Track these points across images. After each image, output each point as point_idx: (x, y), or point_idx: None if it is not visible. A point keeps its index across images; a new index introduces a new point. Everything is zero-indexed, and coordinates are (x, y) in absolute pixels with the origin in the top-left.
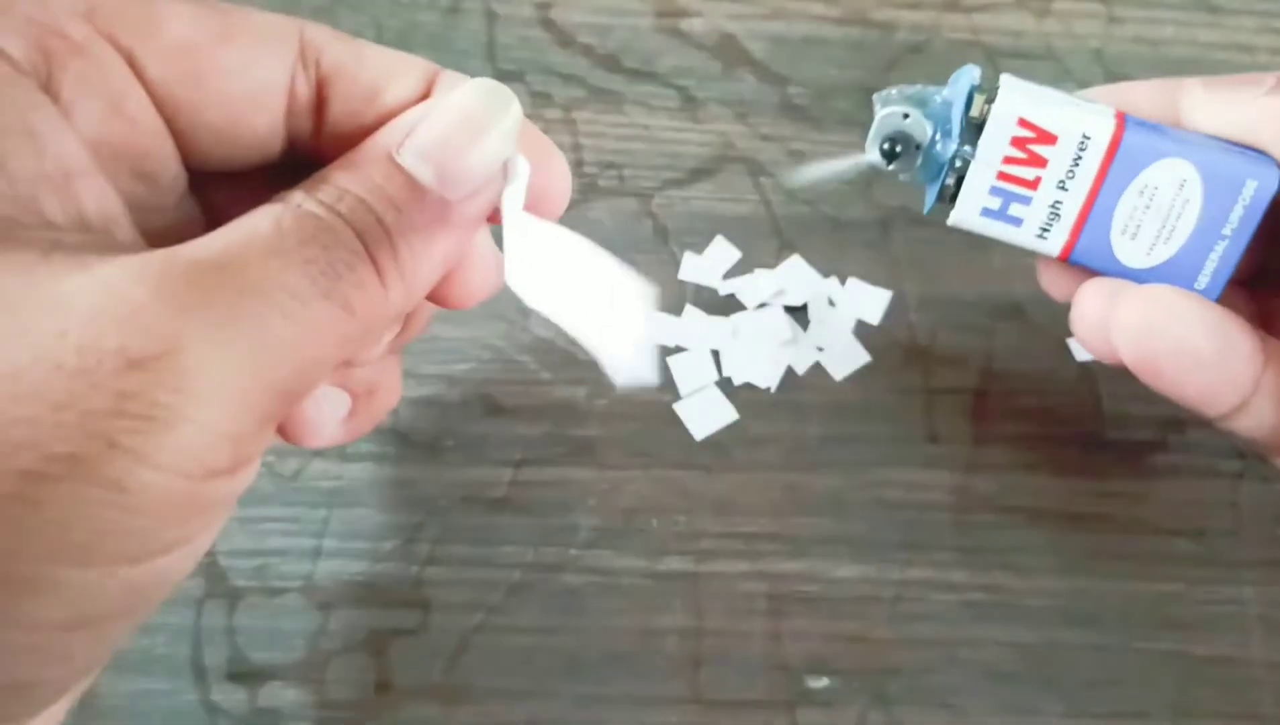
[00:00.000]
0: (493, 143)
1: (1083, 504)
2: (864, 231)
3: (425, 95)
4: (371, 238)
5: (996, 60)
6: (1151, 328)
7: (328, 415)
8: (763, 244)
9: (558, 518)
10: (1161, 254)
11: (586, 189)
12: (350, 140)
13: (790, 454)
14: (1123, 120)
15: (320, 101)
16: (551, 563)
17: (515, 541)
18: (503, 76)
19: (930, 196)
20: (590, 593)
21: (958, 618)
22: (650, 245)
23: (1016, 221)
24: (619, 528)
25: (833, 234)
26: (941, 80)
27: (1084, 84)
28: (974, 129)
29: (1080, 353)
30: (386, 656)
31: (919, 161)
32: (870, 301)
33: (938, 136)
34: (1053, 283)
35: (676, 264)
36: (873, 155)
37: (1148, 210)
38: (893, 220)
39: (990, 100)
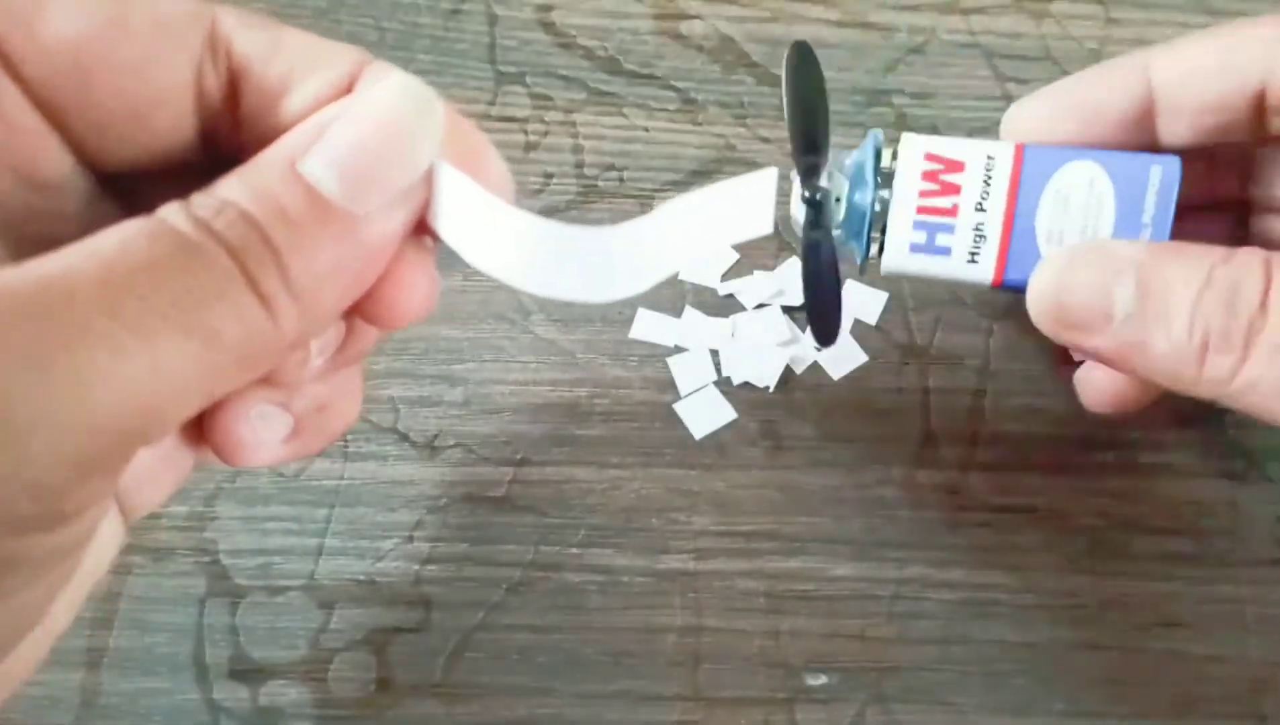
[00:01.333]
0: (411, 151)
1: (1081, 503)
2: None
3: (347, 90)
4: (253, 257)
5: (995, 62)
6: (1053, 284)
7: (264, 435)
8: (761, 244)
9: (558, 517)
10: None
11: (587, 191)
12: (265, 139)
13: (789, 453)
14: (1022, 143)
15: (234, 95)
16: (551, 561)
17: (515, 540)
18: (503, 78)
19: (859, 252)
20: (590, 591)
21: (955, 616)
22: None
23: (945, 251)
24: (619, 526)
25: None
26: (943, 81)
27: None
28: (887, 178)
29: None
30: (388, 655)
31: (842, 216)
32: (868, 301)
33: (854, 188)
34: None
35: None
36: (796, 211)
37: (1066, 215)
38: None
39: (894, 150)
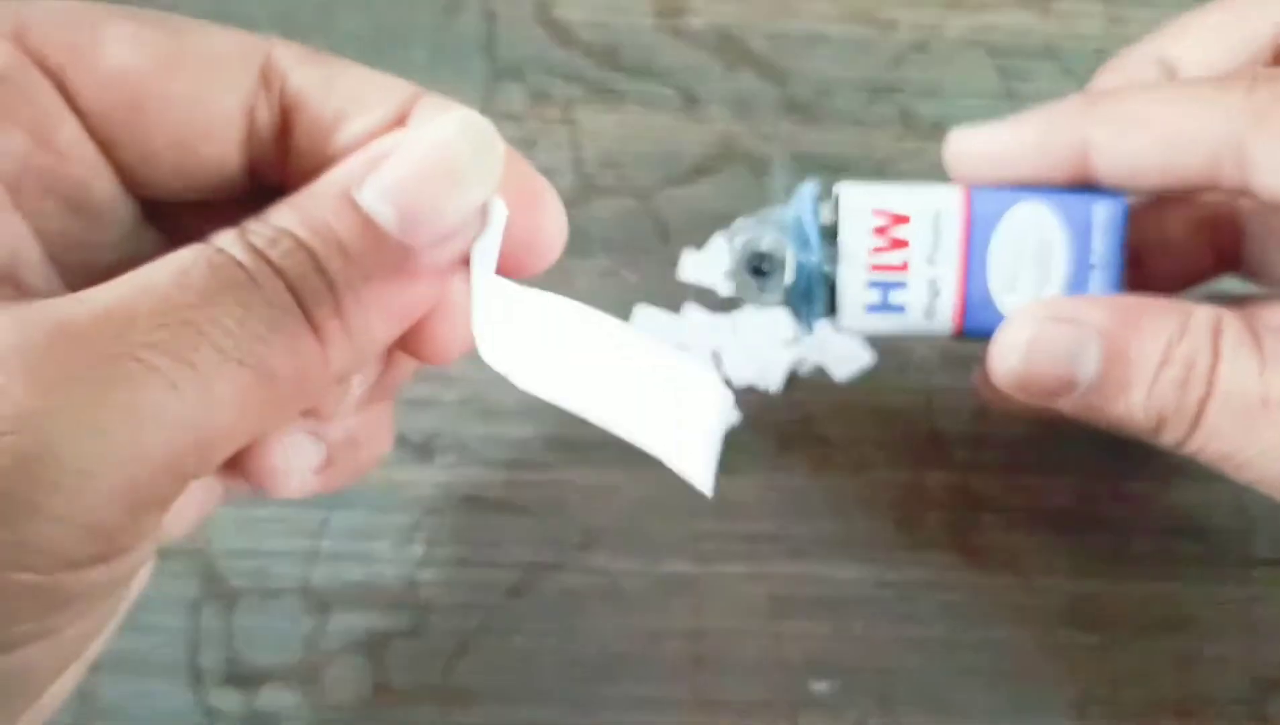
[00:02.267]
0: (469, 185)
1: (1085, 504)
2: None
3: (399, 124)
4: (308, 289)
5: (998, 59)
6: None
7: (296, 466)
8: None
9: (556, 519)
10: (1048, 297)
11: (586, 188)
12: (315, 172)
13: (791, 455)
14: (967, 188)
15: (285, 129)
16: (550, 564)
17: (514, 543)
18: (502, 74)
19: (809, 316)
20: (590, 594)
21: (959, 618)
22: (650, 244)
23: (901, 309)
24: (619, 529)
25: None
26: (946, 77)
27: (1084, 84)
28: (829, 235)
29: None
30: (384, 659)
31: (787, 281)
32: None
33: (798, 250)
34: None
35: (676, 263)
36: (740, 279)
37: (1019, 260)
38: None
39: (835, 204)
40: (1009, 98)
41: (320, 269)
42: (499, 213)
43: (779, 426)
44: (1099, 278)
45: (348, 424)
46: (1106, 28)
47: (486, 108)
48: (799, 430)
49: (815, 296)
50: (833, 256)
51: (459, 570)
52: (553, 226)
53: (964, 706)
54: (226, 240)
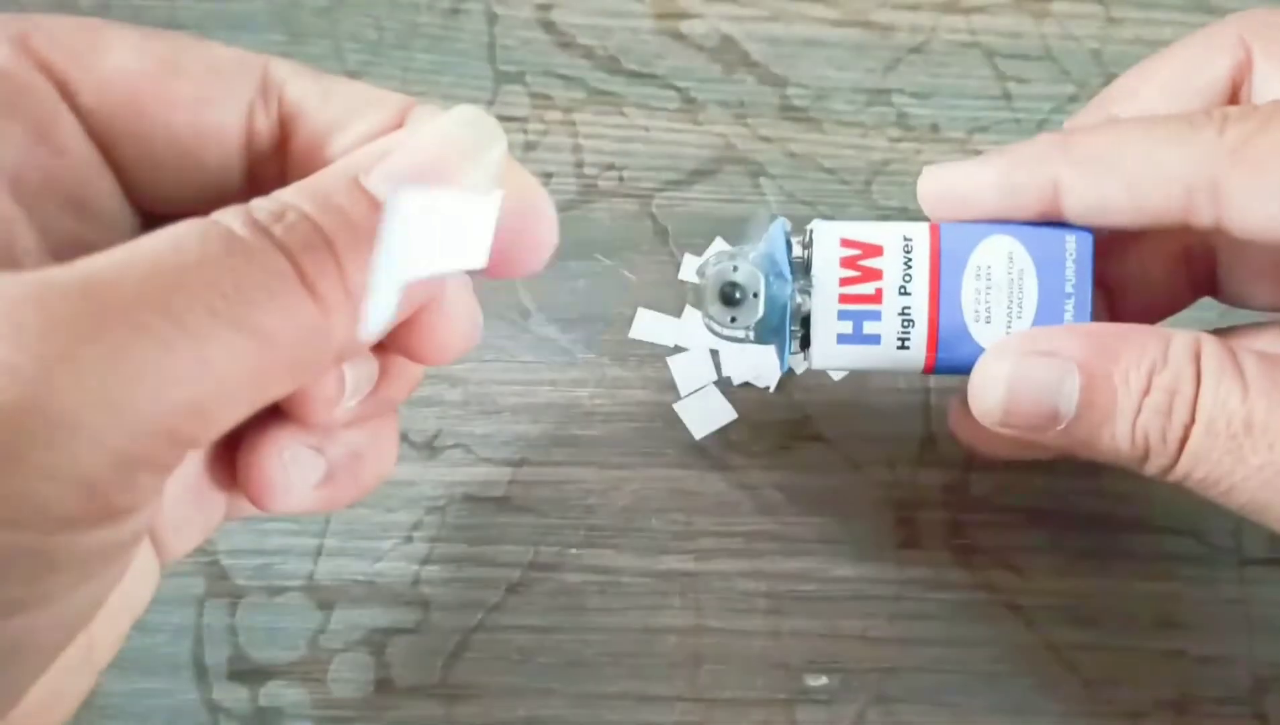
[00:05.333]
0: (474, 175)
1: (1082, 503)
2: None
3: (394, 131)
4: (311, 257)
5: (995, 61)
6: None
7: (295, 479)
8: None
9: (557, 517)
10: (1020, 329)
11: (586, 190)
12: None
13: (789, 453)
14: (936, 223)
15: (283, 139)
16: (551, 562)
17: (515, 541)
18: (503, 77)
19: (782, 350)
20: (590, 592)
21: (957, 617)
22: (650, 246)
23: (875, 340)
24: (618, 527)
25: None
26: (943, 80)
27: (1082, 85)
28: (802, 268)
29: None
30: (387, 655)
31: (759, 313)
32: None
33: (771, 281)
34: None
35: (676, 265)
36: (712, 308)
37: (990, 291)
38: (891, 220)
39: (806, 239)
40: (1006, 100)
41: (326, 239)
42: (501, 206)
43: (776, 425)
44: (1072, 306)
45: (349, 439)
46: (1104, 29)
47: (488, 110)
48: (796, 429)
49: (785, 330)
50: (806, 288)
51: (461, 568)
52: (544, 229)
53: (961, 704)
54: (225, 213)
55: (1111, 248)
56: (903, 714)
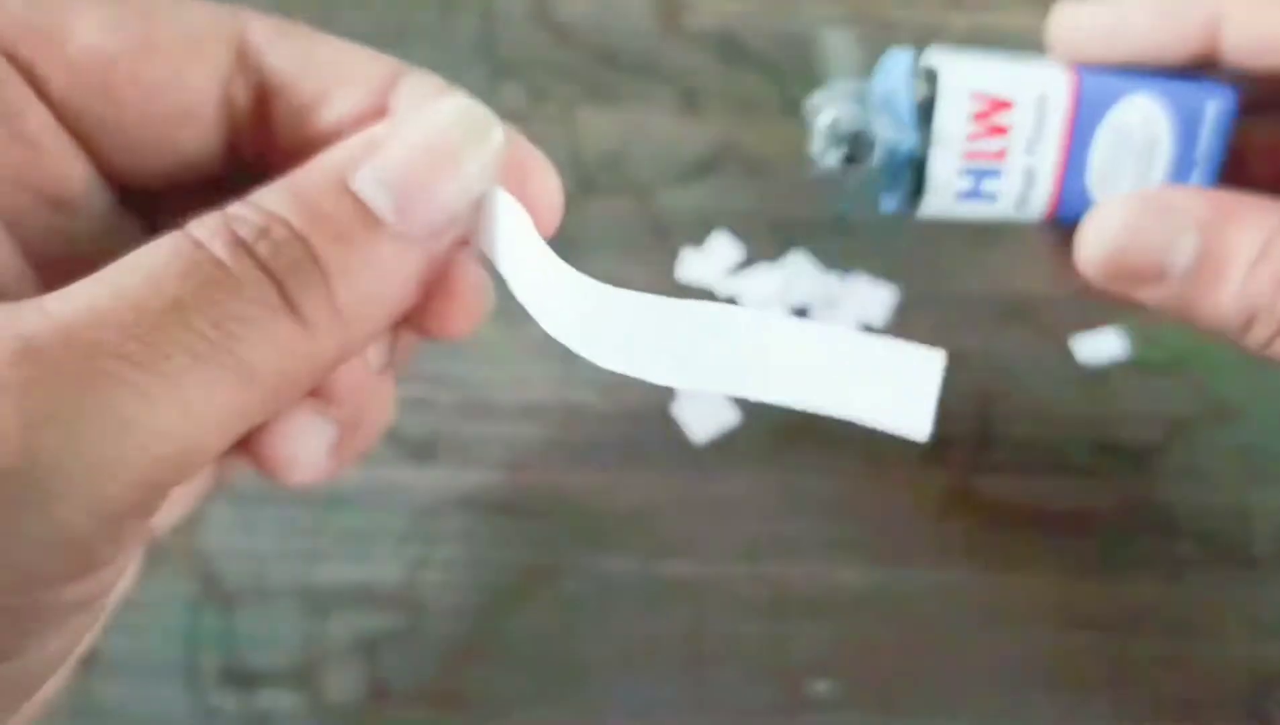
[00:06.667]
0: (469, 174)
1: (1086, 505)
2: (865, 229)
3: (380, 103)
4: (296, 278)
5: None
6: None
7: (311, 448)
8: (763, 242)
9: (555, 520)
10: None
11: (586, 187)
12: (296, 150)
13: (791, 456)
14: (1076, 68)
15: (264, 109)
16: (549, 565)
17: (512, 544)
18: (501, 73)
19: (891, 195)
20: (589, 596)
21: (960, 620)
22: (650, 243)
23: (993, 198)
24: (618, 531)
25: (834, 232)
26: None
27: None
28: (924, 114)
29: (1084, 353)
30: (382, 660)
31: (876, 160)
32: (872, 300)
33: (890, 130)
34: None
35: (676, 262)
36: (829, 161)
37: (1122, 153)
38: (894, 220)
39: (931, 80)
40: None
41: (313, 256)
42: (504, 204)
43: (779, 426)
44: (1198, 174)
45: (353, 397)
46: None
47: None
48: (799, 430)
49: (901, 180)
50: (926, 138)
51: (457, 572)
52: (550, 196)
53: (964, 708)
54: (206, 230)
55: (1240, 115)
56: (906, 718)
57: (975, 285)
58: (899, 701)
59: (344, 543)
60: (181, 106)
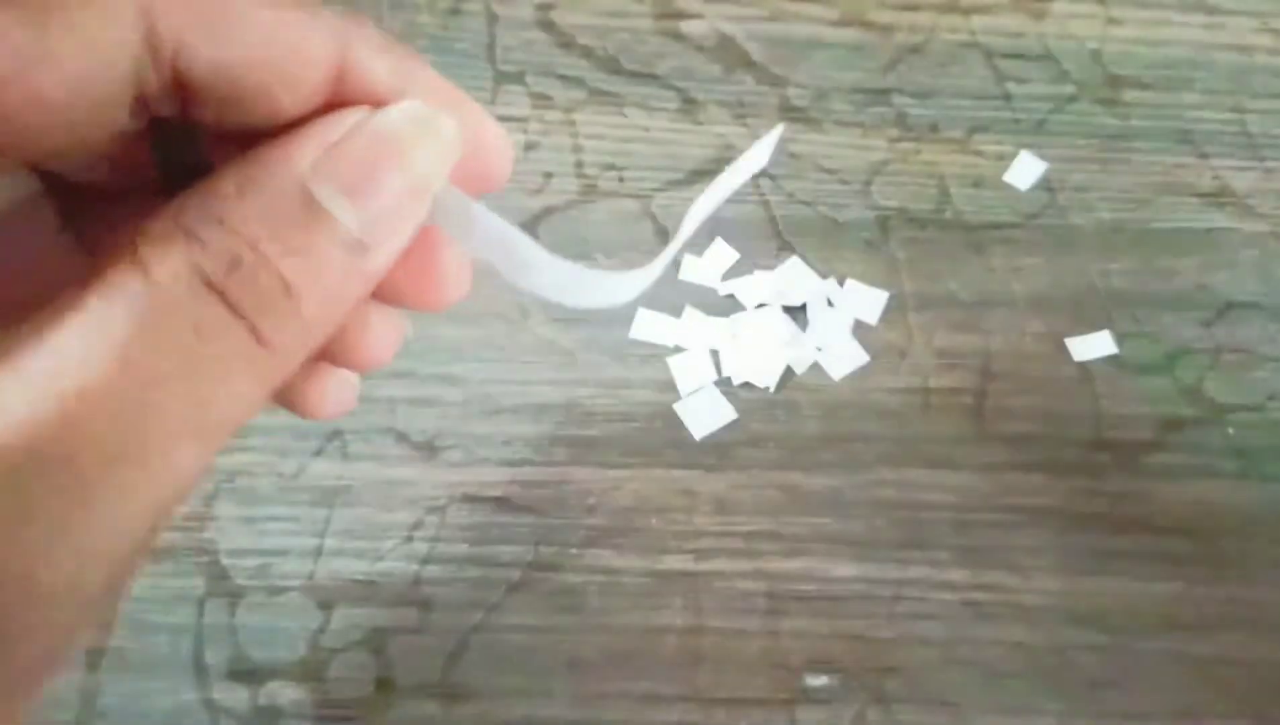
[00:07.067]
0: (424, 180)
1: (1082, 504)
2: (862, 232)
3: (335, 71)
4: (270, 316)
5: (995, 61)
6: None
7: (338, 399)
8: (762, 245)
9: (557, 517)
10: None
11: (587, 190)
12: (226, 106)
13: (789, 453)
14: None
15: (184, 90)
16: (551, 562)
17: (515, 541)
18: (503, 77)
19: None
20: (590, 591)
21: (956, 617)
22: (650, 246)
23: None
24: (618, 527)
25: (831, 235)
26: (942, 80)
27: (1081, 85)
28: None
29: (1079, 353)
30: (387, 655)
31: None
32: (868, 301)
33: None
34: None
35: (677, 265)
36: None
37: None
38: (890, 221)
39: None
40: (1005, 100)
41: (285, 284)
42: (456, 203)
43: (776, 425)
44: None
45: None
46: (1104, 29)
47: (488, 110)
48: (796, 429)
49: None
50: None
51: (461, 567)
52: (497, 152)
53: (961, 703)
54: (169, 271)
55: None
56: (902, 714)
57: (969, 287)
58: (895, 697)
59: (349, 538)
60: (87, 113)
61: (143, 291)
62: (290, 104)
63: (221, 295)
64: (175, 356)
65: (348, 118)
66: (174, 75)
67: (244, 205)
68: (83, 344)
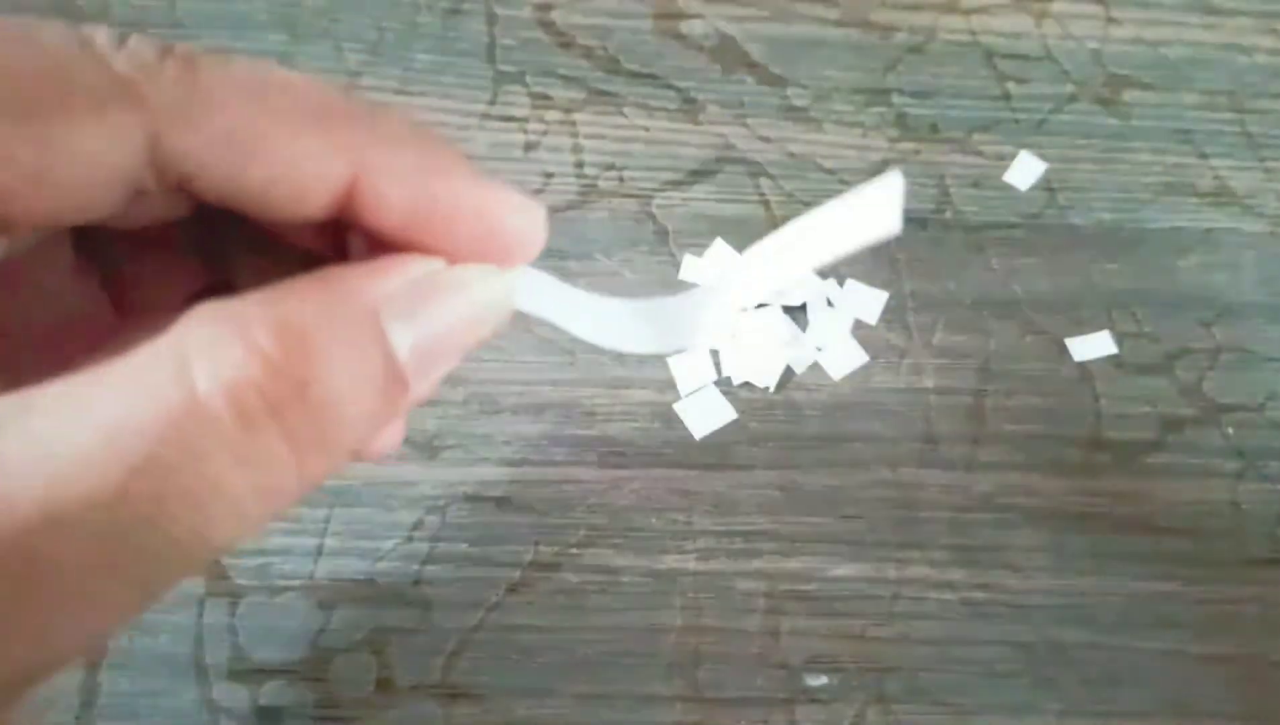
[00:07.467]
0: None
1: (1081, 503)
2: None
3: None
4: (314, 451)
5: (995, 61)
6: None
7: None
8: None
9: (557, 516)
10: None
11: (587, 191)
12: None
13: (789, 453)
14: None
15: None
16: (551, 561)
17: (515, 540)
18: (503, 77)
19: None
20: (590, 591)
21: (956, 616)
22: (650, 246)
23: None
24: (619, 527)
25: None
26: (942, 80)
27: (1081, 85)
28: None
29: (1078, 353)
30: (387, 655)
31: None
32: (868, 301)
33: None
34: None
35: (676, 265)
36: None
37: None
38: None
39: None
40: (1006, 100)
41: (340, 420)
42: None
43: (776, 425)
44: None
45: None
46: (1104, 29)
47: (488, 111)
48: (796, 429)
49: None
50: None
51: (461, 567)
52: (532, 235)
53: (960, 703)
54: (219, 382)
55: None
56: (902, 713)
57: (969, 287)
58: (895, 697)
59: (350, 538)
60: (93, 214)
61: (180, 402)
62: (298, 214)
63: (273, 419)
64: (199, 481)
65: (422, 265)
66: (180, 186)
67: (320, 332)
68: (103, 444)
